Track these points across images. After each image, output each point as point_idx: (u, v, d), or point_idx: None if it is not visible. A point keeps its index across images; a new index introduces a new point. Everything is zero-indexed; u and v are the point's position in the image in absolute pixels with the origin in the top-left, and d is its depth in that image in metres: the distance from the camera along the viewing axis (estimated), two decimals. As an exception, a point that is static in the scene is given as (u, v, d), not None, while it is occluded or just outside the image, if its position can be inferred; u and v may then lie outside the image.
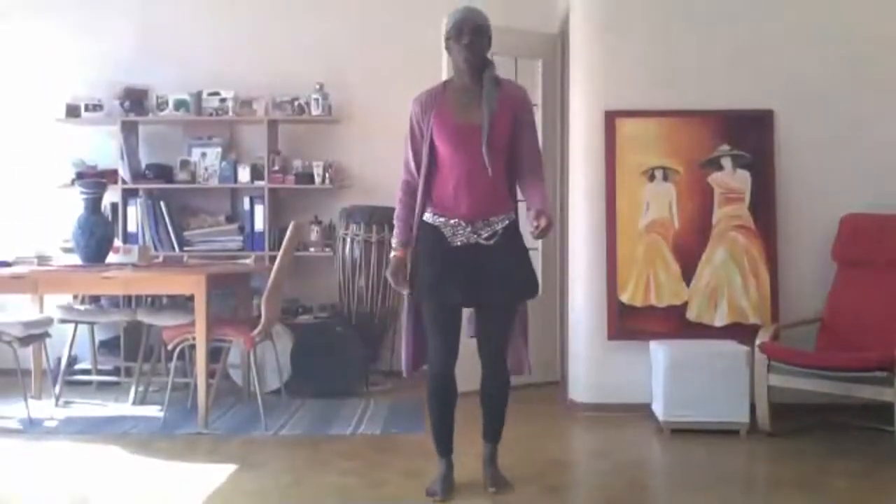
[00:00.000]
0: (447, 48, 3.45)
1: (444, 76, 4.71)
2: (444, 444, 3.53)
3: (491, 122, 3.30)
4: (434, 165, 3.41)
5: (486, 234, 3.38)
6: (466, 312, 3.51)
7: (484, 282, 3.36)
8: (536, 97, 5.53)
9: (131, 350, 5.51)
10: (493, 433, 3.57)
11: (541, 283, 5.48)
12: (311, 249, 5.77)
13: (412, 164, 3.47)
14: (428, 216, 3.42)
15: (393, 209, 3.54)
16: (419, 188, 3.44)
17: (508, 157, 3.42)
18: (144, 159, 5.91)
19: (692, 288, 4.79)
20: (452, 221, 3.38)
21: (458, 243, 3.38)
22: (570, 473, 4.02)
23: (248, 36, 5.96)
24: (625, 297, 4.82)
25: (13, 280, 4.62)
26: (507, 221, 3.42)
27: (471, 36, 3.34)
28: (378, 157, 5.71)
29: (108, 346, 5.77)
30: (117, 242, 5.17)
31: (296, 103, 5.78)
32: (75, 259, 5.04)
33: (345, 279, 5.55)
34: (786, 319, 4.71)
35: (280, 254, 4.71)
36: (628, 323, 4.82)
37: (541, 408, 4.99)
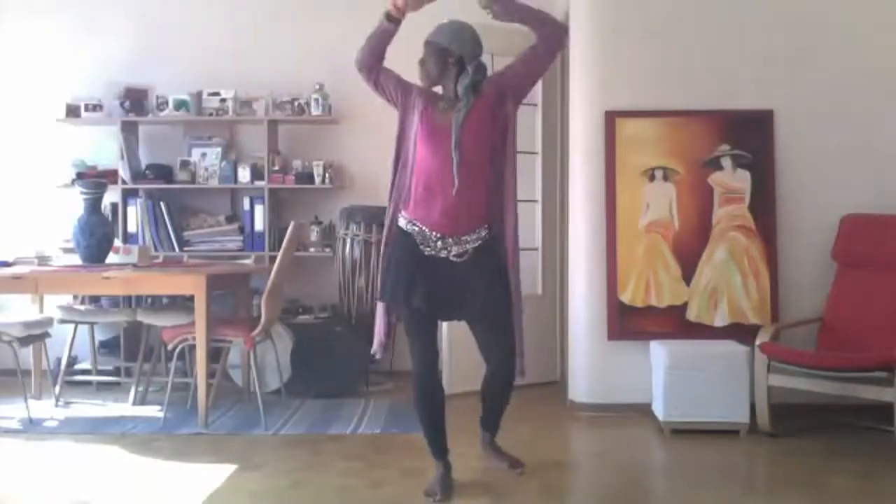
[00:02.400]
0: None
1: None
2: (438, 446, 3.53)
3: (462, 131, 3.30)
4: (413, 164, 3.41)
5: (455, 252, 3.37)
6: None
7: (451, 297, 3.36)
8: (536, 97, 5.52)
9: (131, 350, 5.52)
10: (492, 425, 3.59)
11: (540, 283, 5.65)
12: (311, 249, 5.77)
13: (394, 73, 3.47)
14: (402, 222, 3.43)
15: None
16: (394, 183, 3.46)
17: (489, 176, 3.40)
18: (144, 159, 5.91)
19: (692, 288, 4.79)
20: (425, 231, 3.38)
21: (427, 253, 3.38)
22: (569, 474, 4.02)
23: (249, 36, 5.96)
24: (625, 298, 4.82)
25: (13, 280, 4.62)
26: (479, 242, 3.39)
27: (423, 53, 3.42)
28: (378, 158, 5.65)
29: (108, 346, 5.78)
30: (117, 243, 5.16)
31: (296, 103, 5.77)
32: (75, 259, 5.03)
33: (345, 279, 5.55)
34: (786, 319, 4.72)
35: (280, 254, 4.71)
36: (628, 323, 4.82)
37: (541, 408, 4.99)
